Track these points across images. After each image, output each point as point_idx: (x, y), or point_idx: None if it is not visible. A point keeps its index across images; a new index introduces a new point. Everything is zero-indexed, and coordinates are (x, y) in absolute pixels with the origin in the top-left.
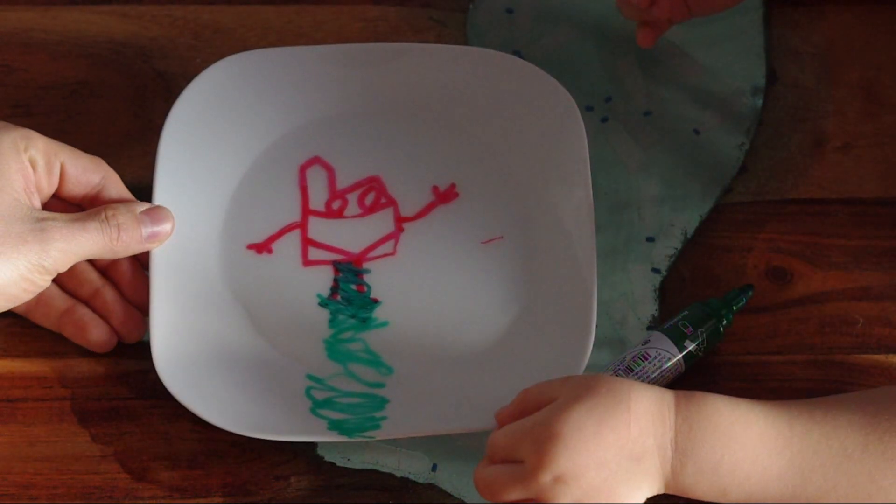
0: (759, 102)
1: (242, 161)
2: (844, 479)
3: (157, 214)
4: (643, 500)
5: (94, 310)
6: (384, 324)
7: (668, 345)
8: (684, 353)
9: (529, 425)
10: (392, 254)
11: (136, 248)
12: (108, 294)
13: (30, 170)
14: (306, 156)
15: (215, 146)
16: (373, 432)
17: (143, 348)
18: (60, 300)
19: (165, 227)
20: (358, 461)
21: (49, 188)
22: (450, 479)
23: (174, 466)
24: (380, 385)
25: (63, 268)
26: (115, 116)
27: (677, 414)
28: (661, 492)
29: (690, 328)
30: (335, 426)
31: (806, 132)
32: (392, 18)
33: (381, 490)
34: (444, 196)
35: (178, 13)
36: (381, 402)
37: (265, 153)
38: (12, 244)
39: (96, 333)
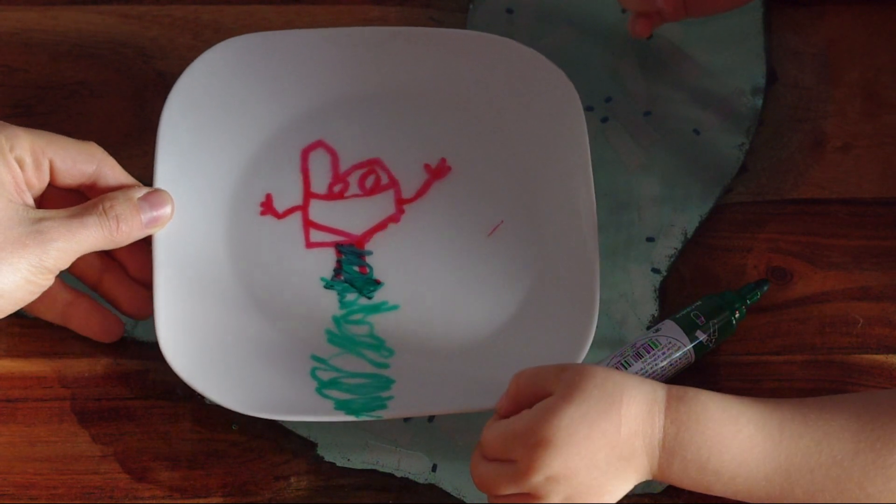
0: (759, 102)
1: (244, 146)
2: (832, 484)
3: (155, 199)
4: (632, 487)
5: (100, 295)
6: (395, 307)
7: (680, 334)
8: (695, 343)
9: (521, 427)
10: (394, 236)
11: (138, 235)
12: (113, 278)
13: (17, 169)
14: (309, 139)
15: (215, 131)
16: (379, 412)
17: (142, 348)
18: (63, 293)
19: (165, 210)
20: (358, 461)
21: (40, 184)
22: (450, 479)
23: (174, 466)
24: (385, 366)
25: (65, 266)
26: (115, 116)
27: (667, 416)
28: (650, 479)
29: (703, 318)
30: (342, 406)
31: (806, 132)
32: (392, 18)
33: (381, 490)
34: (438, 172)
35: (178, 13)
36: (387, 383)
37: (267, 137)
38: (11, 249)
39: (101, 325)
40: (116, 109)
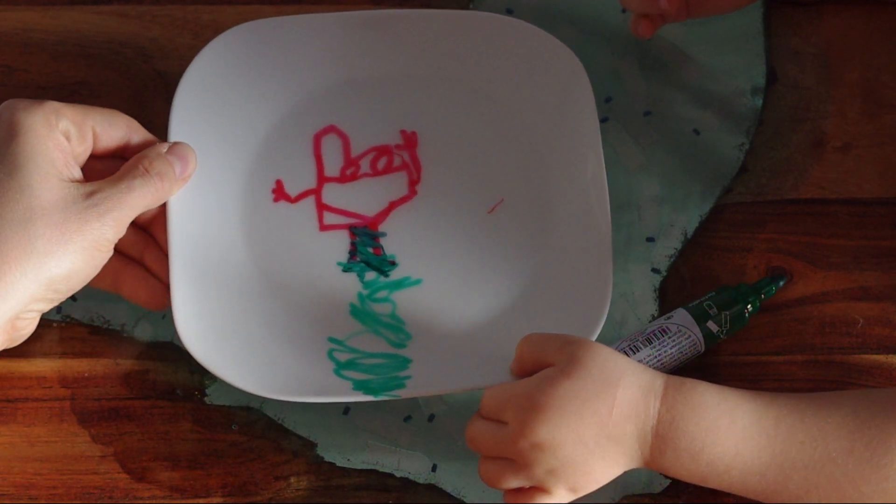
0: (759, 102)
1: (255, 132)
2: (826, 481)
3: (179, 151)
4: (620, 473)
5: (146, 268)
6: (418, 282)
7: (691, 322)
8: (706, 332)
9: (518, 391)
10: (407, 216)
11: (176, 189)
12: (154, 254)
13: (65, 142)
14: (321, 123)
15: (225, 120)
16: (398, 391)
17: (142, 348)
18: (114, 261)
19: (191, 161)
20: (358, 461)
21: (84, 153)
22: (450, 479)
23: (174, 466)
24: (402, 345)
25: (122, 234)
26: None
27: (662, 403)
28: (640, 467)
29: (715, 309)
30: (360, 386)
31: (806, 132)
32: None
33: (381, 490)
34: (408, 143)
35: (178, 13)
36: (404, 362)
37: (277, 123)
38: (74, 228)
39: (149, 293)
40: (116, 109)
